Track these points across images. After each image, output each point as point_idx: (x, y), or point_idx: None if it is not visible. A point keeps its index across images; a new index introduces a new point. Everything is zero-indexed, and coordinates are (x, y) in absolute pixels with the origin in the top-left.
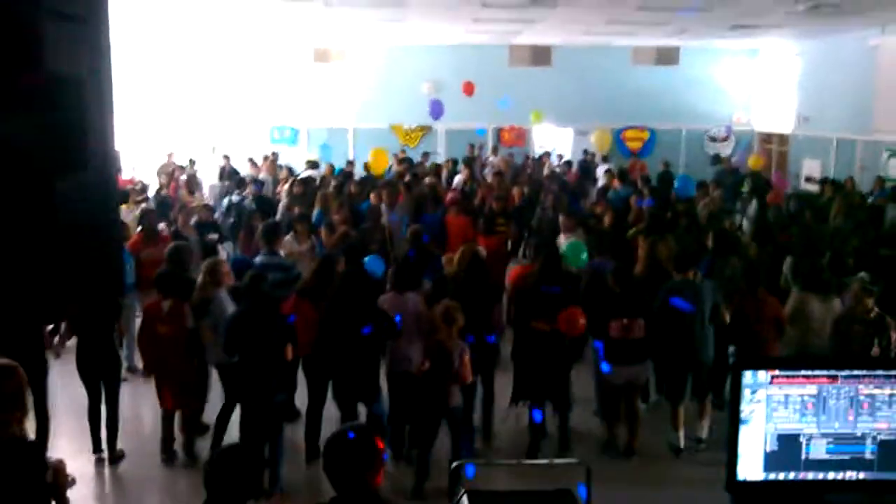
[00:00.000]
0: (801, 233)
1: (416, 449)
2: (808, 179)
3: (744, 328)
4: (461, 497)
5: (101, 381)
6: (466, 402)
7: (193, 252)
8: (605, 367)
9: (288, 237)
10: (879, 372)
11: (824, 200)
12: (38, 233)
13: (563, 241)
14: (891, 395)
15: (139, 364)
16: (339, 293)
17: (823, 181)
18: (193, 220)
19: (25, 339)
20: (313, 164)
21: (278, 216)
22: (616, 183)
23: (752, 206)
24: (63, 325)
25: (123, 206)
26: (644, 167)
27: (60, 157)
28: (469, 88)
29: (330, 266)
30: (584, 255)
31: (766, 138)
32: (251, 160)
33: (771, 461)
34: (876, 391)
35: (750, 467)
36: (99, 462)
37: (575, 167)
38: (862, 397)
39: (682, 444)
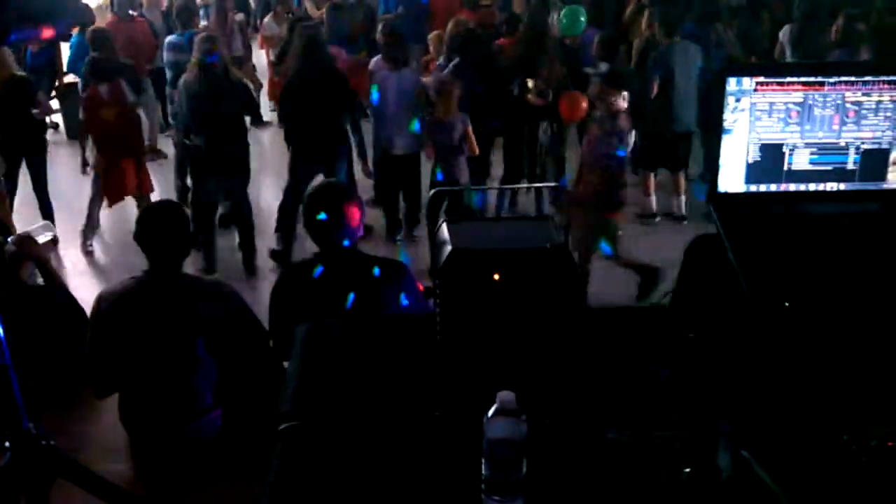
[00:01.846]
0: None
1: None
2: None
3: None
4: (441, 224)
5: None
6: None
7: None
8: None
9: (267, 19)
10: (868, 77)
11: None
12: None
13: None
14: (878, 102)
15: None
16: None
17: None
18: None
19: None
20: None
21: None
22: None
23: None
24: None
25: None
26: None
27: None
28: None
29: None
30: (583, 20)
31: None
32: None
33: (753, 172)
34: (863, 98)
35: (732, 178)
36: None
37: None
38: (848, 105)
39: (653, 209)
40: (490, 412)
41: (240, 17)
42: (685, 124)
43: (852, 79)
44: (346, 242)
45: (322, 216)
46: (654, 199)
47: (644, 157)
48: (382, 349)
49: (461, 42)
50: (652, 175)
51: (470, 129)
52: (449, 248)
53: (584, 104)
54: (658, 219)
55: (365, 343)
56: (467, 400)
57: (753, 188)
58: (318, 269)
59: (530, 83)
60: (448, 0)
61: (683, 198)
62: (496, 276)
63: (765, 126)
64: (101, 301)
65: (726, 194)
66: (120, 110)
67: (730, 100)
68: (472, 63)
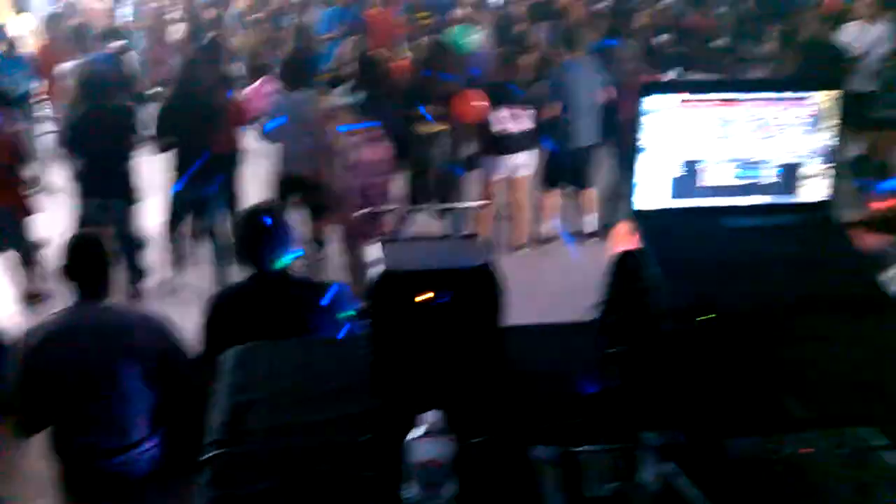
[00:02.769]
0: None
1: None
2: None
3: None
4: (371, 244)
5: None
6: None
7: None
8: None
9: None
10: (787, 94)
11: None
12: None
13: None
14: (792, 120)
15: None
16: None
17: None
18: None
19: None
20: None
21: None
22: None
23: None
24: None
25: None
26: None
27: None
28: None
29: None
30: (476, 37)
31: None
32: None
33: (674, 188)
34: (781, 114)
35: (654, 195)
36: None
37: None
38: (766, 120)
39: (551, 232)
40: (418, 433)
41: None
42: (586, 139)
43: (768, 95)
44: (277, 265)
45: (252, 240)
46: (557, 221)
47: (548, 175)
48: (312, 373)
49: (358, 66)
50: (556, 193)
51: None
52: (379, 268)
53: (478, 104)
54: (554, 241)
55: (294, 367)
56: (398, 422)
57: (675, 203)
58: (248, 291)
59: (426, 110)
60: (387, 18)
61: (594, 215)
62: (426, 297)
63: (685, 142)
64: (29, 336)
65: (649, 210)
66: None
67: (649, 117)
68: (367, 88)
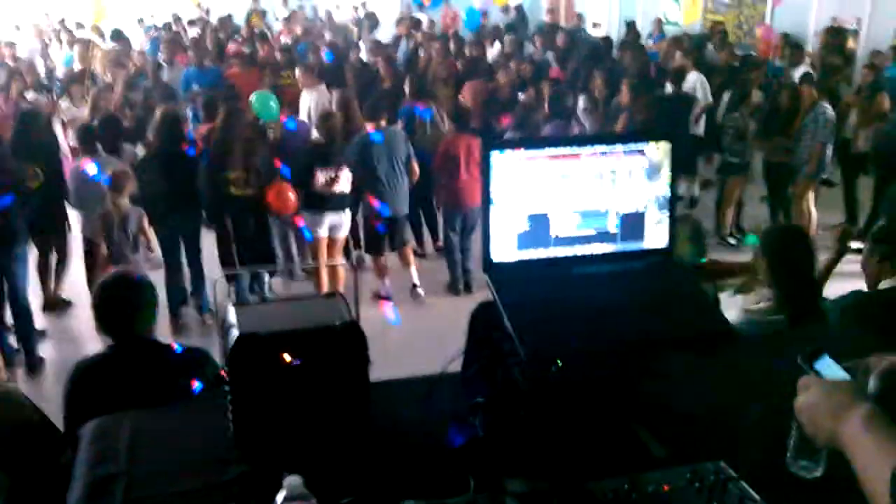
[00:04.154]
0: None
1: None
2: (595, 25)
3: (450, 171)
4: (227, 307)
5: None
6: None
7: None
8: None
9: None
10: (618, 147)
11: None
12: None
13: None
14: (630, 170)
15: None
16: None
17: None
18: None
19: None
20: None
21: None
22: None
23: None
24: None
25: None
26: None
27: None
28: None
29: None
30: (273, 105)
31: None
32: None
33: (522, 240)
34: (617, 166)
35: (503, 248)
36: None
37: None
38: (604, 173)
39: (387, 292)
40: (279, 498)
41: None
42: (397, 209)
43: (605, 148)
44: (136, 331)
45: (109, 309)
46: (388, 280)
47: (369, 243)
48: (176, 442)
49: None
50: (383, 257)
51: (145, 222)
52: (236, 332)
53: (293, 196)
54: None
55: (157, 436)
56: (264, 487)
57: (527, 254)
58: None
59: (232, 174)
60: (250, 78)
61: (413, 268)
62: (286, 359)
63: (530, 196)
64: None
65: (500, 263)
66: None
67: (495, 172)
68: (161, 153)
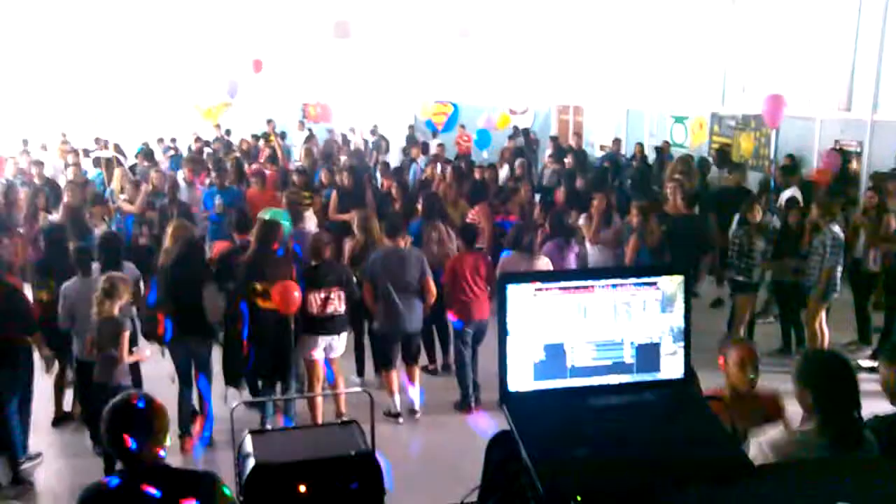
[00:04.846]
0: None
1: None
2: (603, 148)
3: (459, 287)
4: (244, 436)
5: None
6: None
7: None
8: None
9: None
10: (631, 280)
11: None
12: None
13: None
14: (644, 302)
15: None
16: None
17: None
18: None
19: None
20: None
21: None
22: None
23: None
24: None
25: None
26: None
27: None
28: (258, 66)
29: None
30: (287, 224)
31: (563, 109)
32: None
33: (539, 371)
34: (630, 298)
35: (520, 378)
36: None
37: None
38: (618, 305)
39: (397, 408)
40: None
41: None
42: (410, 326)
43: (619, 281)
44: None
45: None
46: (398, 397)
47: (380, 358)
48: None
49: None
50: (393, 373)
51: (125, 337)
52: (252, 461)
53: (297, 294)
54: (401, 419)
55: None
56: None
57: (543, 384)
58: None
59: (258, 286)
60: (265, 196)
61: (416, 388)
62: (302, 489)
63: (546, 327)
64: None
65: (516, 393)
66: None
67: (511, 305)
68: (178, 270)
